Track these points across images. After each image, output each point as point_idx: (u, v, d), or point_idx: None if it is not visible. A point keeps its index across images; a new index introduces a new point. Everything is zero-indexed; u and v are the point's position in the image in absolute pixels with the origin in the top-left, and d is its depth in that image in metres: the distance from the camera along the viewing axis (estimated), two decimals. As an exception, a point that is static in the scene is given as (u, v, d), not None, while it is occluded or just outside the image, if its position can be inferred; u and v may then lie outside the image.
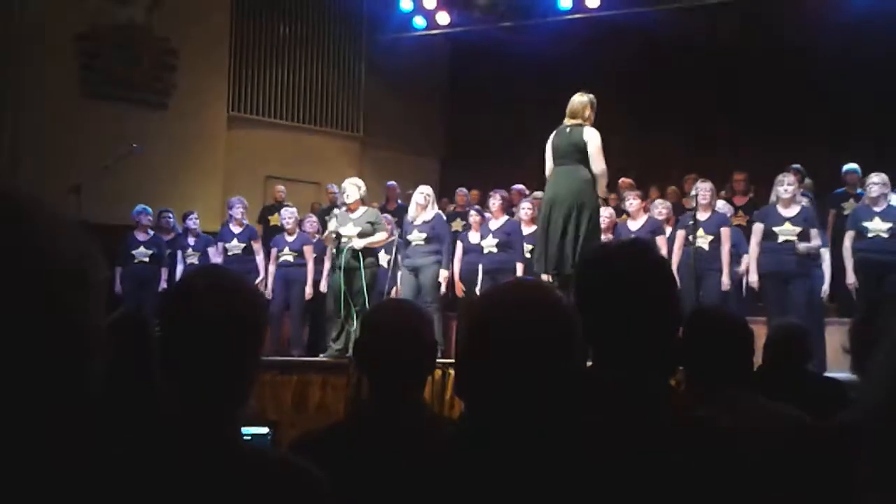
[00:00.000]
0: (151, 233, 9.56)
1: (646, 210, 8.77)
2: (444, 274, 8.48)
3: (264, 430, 3.86)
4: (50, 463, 0.72)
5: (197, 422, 1.47)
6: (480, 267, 8.64)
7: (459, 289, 8.88)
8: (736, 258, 8.04)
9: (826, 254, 8.11)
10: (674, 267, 7.68)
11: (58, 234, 0.73)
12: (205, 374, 1.47)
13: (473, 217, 9.16)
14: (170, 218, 10.05)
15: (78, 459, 0.76)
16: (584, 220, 6.45)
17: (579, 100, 6.71)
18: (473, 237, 8.91)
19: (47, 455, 0.71)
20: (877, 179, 7.54)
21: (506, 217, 8.89)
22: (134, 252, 9.30)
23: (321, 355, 8.08)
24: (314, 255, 9.25)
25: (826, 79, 11.62)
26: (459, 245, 9.04)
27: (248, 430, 3.66)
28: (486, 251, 8.62)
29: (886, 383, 0.64)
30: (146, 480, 1.43)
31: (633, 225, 8.48)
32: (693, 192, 8.09)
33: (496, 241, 8.59)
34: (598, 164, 6.54)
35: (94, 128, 11.07)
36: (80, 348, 0.71)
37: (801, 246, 7.29)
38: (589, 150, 6.52)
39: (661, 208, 8.85)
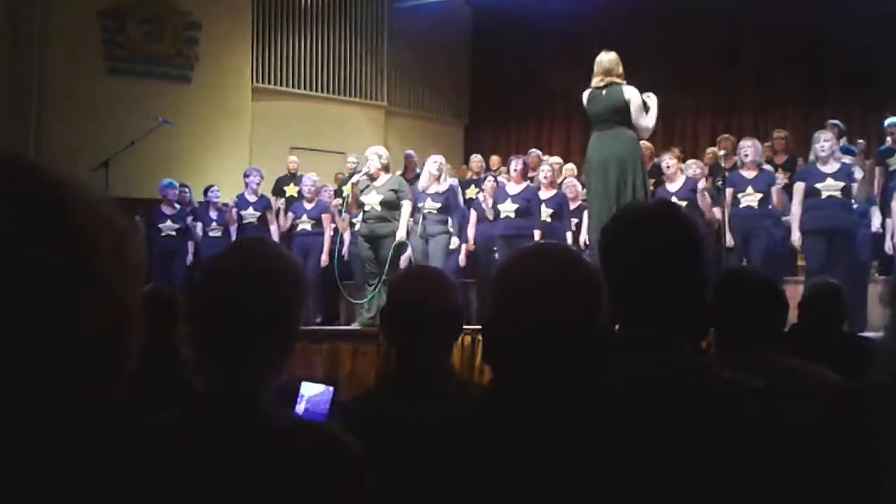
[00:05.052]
0: (178, 207, 9.63)
1: (682, 171, 8.57)
2: (456, 242, 8.44)
3: (322, 388, 3.84)
4: (78, 440, 0.72)
5: (225, 396, 1.47)
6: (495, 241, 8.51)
7: (468, 249, 8.89)
8: (776, 219, 7.92)
9: (875, 211, 7.95)
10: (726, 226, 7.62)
11: (94, 204, 0.72)
12: (234, 352, 1.44)
13: (489, 183, 9.07)
14: (186, 192, 10.09)
15: (108, 435, 0.76)
16: (638, 186, 6.34)
17: (608, 57, 6.50)
18: (488, 203, 8.82)
19: (75, 432, 0.71)
20: None
21: (525, 183, 8.66)
22: (161, 226, 9.38)
23: (353, 324, 8.12)
24: (332, 224, 9.30)
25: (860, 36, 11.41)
26: (473, 213, 8.99)
27: (309, 390, 3.68)
28: (503, 216, 8.42)
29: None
30: (177, 456, 1.44)
31: (672, 187, 8.25)
32: (738, 152, 7.89)
33: (515, 206, 8.36)
34: (645, 120, 6.40)
35: (119, 103, 11.13)
36: (119, 324, 0.71)
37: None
38: (632, 108, 6.35)
39: (694, 167, 8.69)
